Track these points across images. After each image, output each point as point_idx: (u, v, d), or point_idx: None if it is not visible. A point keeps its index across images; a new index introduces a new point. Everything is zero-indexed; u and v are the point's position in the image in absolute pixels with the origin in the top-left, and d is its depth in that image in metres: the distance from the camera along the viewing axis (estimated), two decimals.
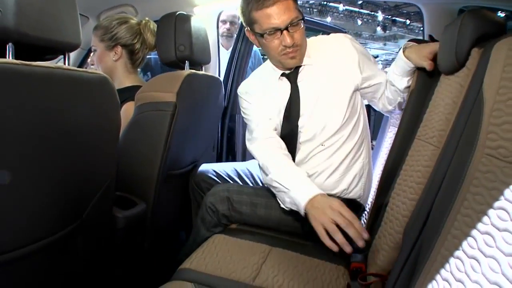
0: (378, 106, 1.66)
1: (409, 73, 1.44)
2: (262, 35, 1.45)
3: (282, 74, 1.60)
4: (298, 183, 1.37)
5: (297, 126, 1.58)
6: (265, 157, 1.54)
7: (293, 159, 1.59)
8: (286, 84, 1.60)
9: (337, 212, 1.20)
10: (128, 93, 1.71)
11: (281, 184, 1.39)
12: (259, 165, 1.58)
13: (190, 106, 1.67)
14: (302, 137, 1.59)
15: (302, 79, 1.58)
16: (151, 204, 1.55)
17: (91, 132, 1.01)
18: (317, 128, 1.55)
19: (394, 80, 1.49)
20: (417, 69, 1.40)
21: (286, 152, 1.56)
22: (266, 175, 1.49)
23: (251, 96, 1.66)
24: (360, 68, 1.54)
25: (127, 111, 1.63)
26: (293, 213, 1.42)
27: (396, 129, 1.49)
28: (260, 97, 1.64)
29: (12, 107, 0.77)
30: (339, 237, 1.16)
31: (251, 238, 1.47)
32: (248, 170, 2.00)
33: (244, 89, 1.70)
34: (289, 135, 1.60)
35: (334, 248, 1.16)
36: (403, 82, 1.46)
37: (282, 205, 1.44)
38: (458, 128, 0.89)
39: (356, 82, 1.55)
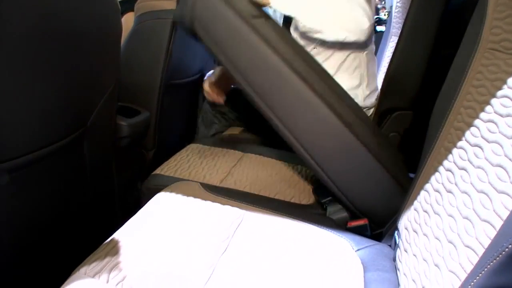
0: None
1: None
2: None
3: None
4: None
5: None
6: None
7: None
8: None
9: None
10: (127, 4, 1.68)
11: None
12: None
13: None
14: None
15: None
16: (154, 113, 1.56)
17: (92, 35, 1.00)
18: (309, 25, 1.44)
19: None
20: None
21: None
22: None
23: None
24: None
25: (127, 22, 1.61)
26: None
27: (397, 38, 1.47)
28: None
29: (11, 7, 0.75)
30: None
31: (226, 146, 1.53)
32: None
33: None
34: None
35: None
36: None
37: None
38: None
39: None
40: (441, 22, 1.29)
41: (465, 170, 0.67)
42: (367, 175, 1.07)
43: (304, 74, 1.03)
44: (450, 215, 0.66)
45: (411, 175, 0.99)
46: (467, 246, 0.59)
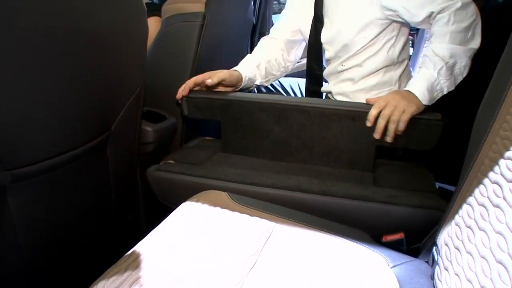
0: None
1: None
2: None
3: None
4: None
5: (320, 41, 1.54)
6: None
7: (319, 77, 1.62)
8: None
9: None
10: (148, 10, 1.67)
11: None
12: None
13: (219, 18, 1.61)
14: (326, 54, 1.55)
15: None
16: (181, 119, 1.53)
17: (116, 36, 0.98)
18: (337, 46, 1.48)
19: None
20: None
21: (269, 54, 1.62)
22: None
23: None
24: None
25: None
26: None
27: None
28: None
29: (26, 4, 0.72)
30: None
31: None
32: (290, 85, 2.02)
33: None
34: (314, 50, 1.58)
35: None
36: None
37: None
38: None
39: (382, 5, 1.34)
40: None
41: None
42: None
43: None
44: (499, 233, 0.61)
45: (451, 187, 0.95)
46: None
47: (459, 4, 1.21)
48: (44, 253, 0.95)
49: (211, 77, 1.39)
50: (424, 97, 1.19)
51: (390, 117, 1.16)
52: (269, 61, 1.61)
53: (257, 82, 1.58)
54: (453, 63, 1.21)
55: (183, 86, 1.41)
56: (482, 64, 1.08)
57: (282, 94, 1.96)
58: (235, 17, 1.82)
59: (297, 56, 1.72)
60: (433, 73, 1.20)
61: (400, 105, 1.16)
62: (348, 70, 1.50)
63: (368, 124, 1.19)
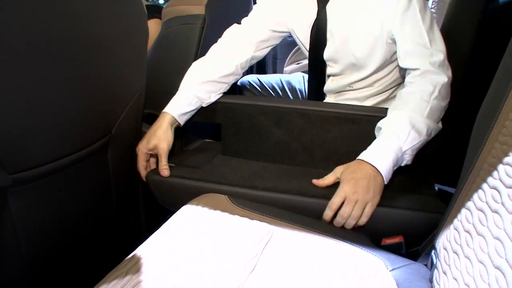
0: None
1: None
2: None
3: None
4: None
5: (323, 59, 1.42)
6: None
7: (323, 93, 1.52)
8: (313, 5, 1.37)
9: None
10: (148, 12, 1.67)
11: None
12: None
13: (219, 20, 1.61)
14: (329, 70, 1.45)
15: (333, 5, 1.33)
16: None
17: (116, 39, 0.98)
18: (344, 65, 1.38)
19: None
20: None
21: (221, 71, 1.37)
22: None
23: None
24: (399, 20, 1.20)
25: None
26: None
27: None
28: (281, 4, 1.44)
29: (22, 8, 0.72)
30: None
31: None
32: (291, 84, 1.95)
33: None
34: (316, 68, 1.48)
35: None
36: None
37: None
38: None
39: (387, 30, 1.25)
40: (480, 28, 1.24)
41: None
42: None
43: None
44: (497, 238, 0.61)
45: (451, 189, 0.95)
46: None
47: (445, 80, 1.15)
48: (45, 257, 0.96)
49: (162, 167, 1.24)
50: (387, 177, 1.05)
51: (350, 215, 1.01)
52: (225, 69, 1.39)
53: (204, 104, 1.37)
54: (426, 141, 1.11)
55: (140, 165, 1.28)
56: (483, 66, 1.08)
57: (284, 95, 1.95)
58: (235, 19, 1.82)
59: (263, 54, 1.53)
60: (404, 144, 1.06)
61: (362, 198, 1.01)
62: (356, 90, 1.43)
63: (328, 216, 1.04)
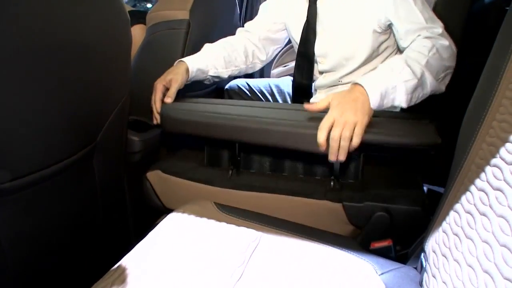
0: None
1: None
2: None
3: None
4: None
5: (313, 53, 1.47)
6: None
7: (308, 88, 1.56)
8: (304, 2, 1.45)
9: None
10: (133, 18, 1.66)
11: None
12: None
13: (204, 24, 1.61)
14: (319, 66, 1.49)
15: (323, 0, 1.40)
16: None
17: (101, 46, 0.97)
18: (334, 60, 1.43)
19: None
20: None
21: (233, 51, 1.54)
22: None
23: None
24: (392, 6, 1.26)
25: (134, 35, 1.60)
26: None
27: None
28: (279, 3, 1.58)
29: (6, 15, 0.71)
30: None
31: None
32: (280, 87, 1.96)
33: None
34: (305, 62, 1.52)
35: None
36: None
37: None
38: None
39: (381, 20, 1.30)
40: (466, 28, 1.24)
41: (501, 191, 0.60)
42: None
43: None
44: (485, 241, 0.60)
45: (440, 189, 0.94)
46: (507, 279, 0.53)
47: (446, 43, 1.18)
48: (30, 267, 0.94)
49: (169, 94, 1.33)
50: (374, 102, 1.07)
51: (341, 136, 1.02)
52: (233, 51, 1.54)
53: (211, 73, 1.48)
54: (419, 85, 1.12)
55: (156, 97, 1.34)
56: (470, 66, 1.07)
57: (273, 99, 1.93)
58: (221, 23, 1.81)
59: (268, 57, 1.67)
60: (396, 78, 1.10)
61: (350, 119, 1.01)
62: (346, 84, 1.44)
63: (321, 149, 1.04)
